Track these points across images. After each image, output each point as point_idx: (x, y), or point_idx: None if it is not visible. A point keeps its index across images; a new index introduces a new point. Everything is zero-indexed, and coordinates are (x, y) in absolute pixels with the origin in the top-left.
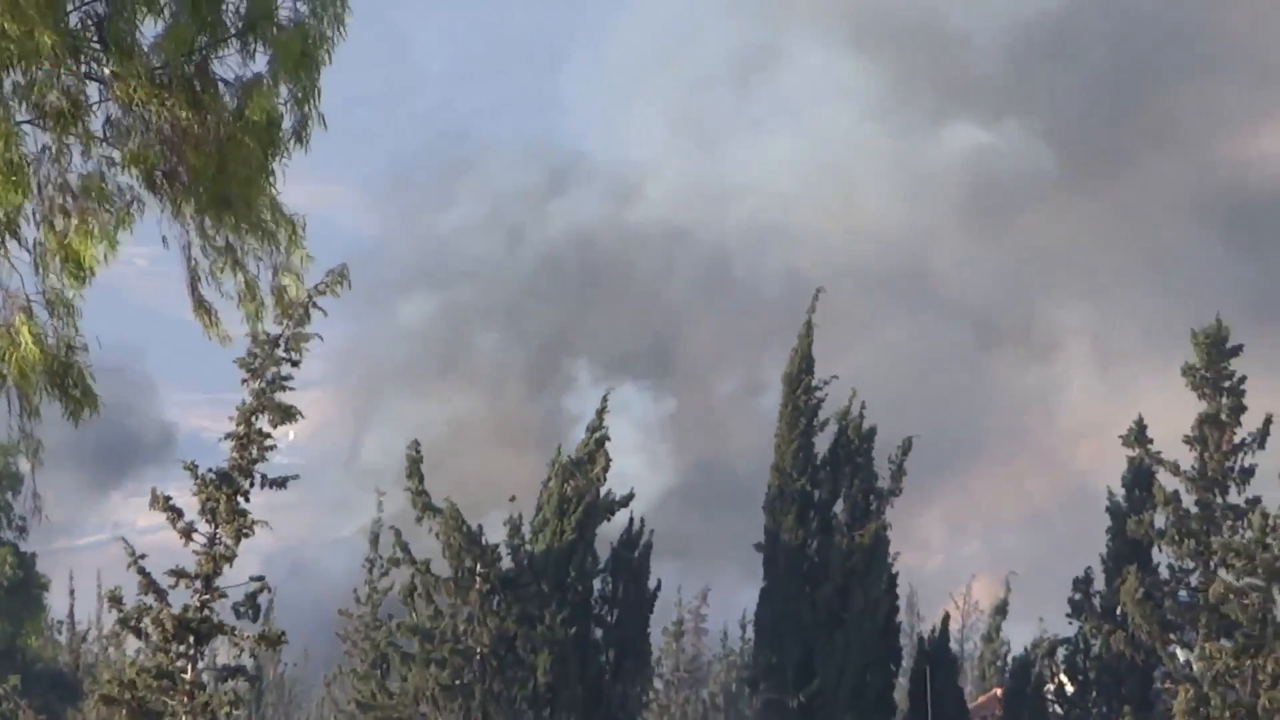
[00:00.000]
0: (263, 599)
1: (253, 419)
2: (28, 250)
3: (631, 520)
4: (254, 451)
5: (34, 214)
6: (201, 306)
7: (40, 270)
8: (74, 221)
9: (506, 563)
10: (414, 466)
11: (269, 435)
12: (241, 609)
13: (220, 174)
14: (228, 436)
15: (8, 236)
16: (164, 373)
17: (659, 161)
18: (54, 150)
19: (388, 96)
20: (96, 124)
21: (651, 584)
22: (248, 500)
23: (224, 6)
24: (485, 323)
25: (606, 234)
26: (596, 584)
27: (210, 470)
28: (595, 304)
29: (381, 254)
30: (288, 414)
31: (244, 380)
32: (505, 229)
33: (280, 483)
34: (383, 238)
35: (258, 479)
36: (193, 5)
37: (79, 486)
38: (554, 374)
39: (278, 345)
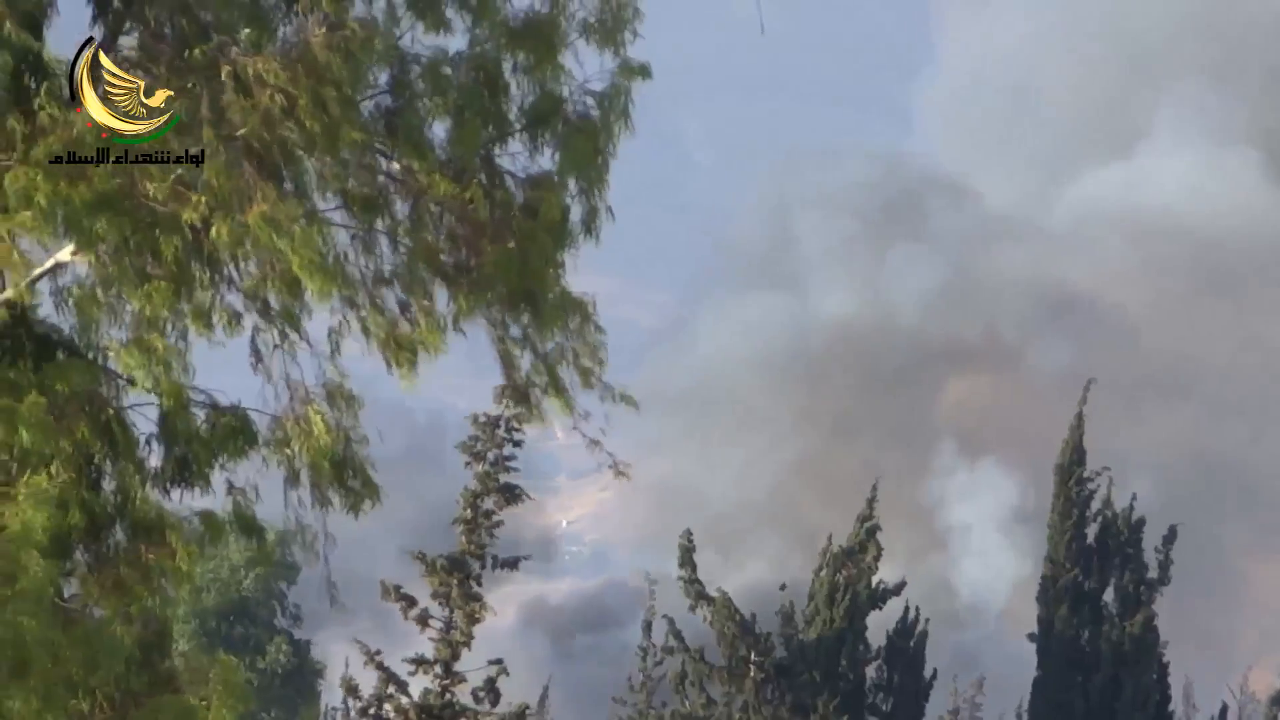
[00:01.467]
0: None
1: (478, 502)
2: (308, 342)
3: (906, 609)
4: (482, 535)
5: (341, 303)
6: (521, 396)
7: (332, 358)
8: (413, 312)
9: (779, 651)
10: (686, 555)
11: (495, 514)
12: (480, 693)
13: (521, 268)
14: (456, 521)
15: (288, 328)
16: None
17: (1017, 210)
18: (362, 241)
19: (660, 186)
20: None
21: (928, 672)
22: (479, 584)
23: (508, 99)
24: (840, 398)
25: (962, 293)
26: (872, 672)
27: (441, 556)
28: (956, 372)
29: (697, 337)
30: (513, 495)
31: (466, 464)
32: (849, 298)
33: (512, 563)
34: (688, 325)
35: (489, 561)
36: (478, 100)
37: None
38: (914, 451)
39: (497, 427)
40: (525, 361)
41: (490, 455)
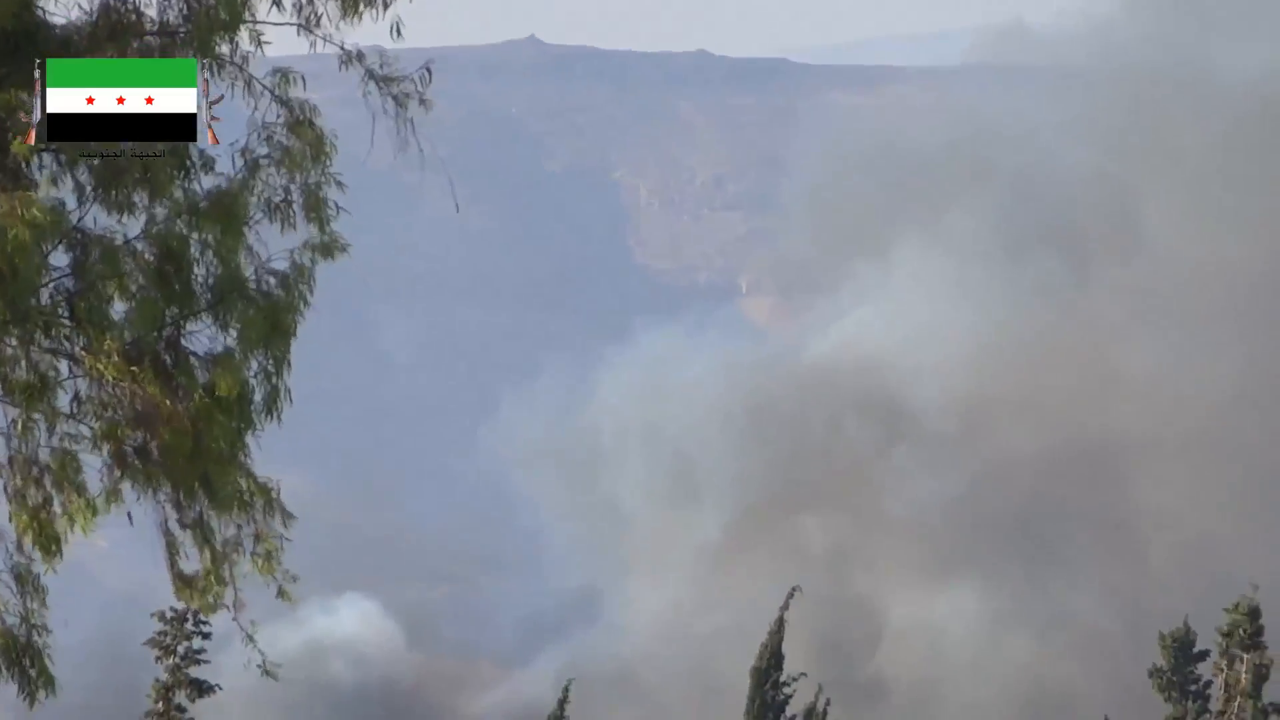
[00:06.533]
0: None
1: (169, 695)
2: None
3: None
4: None
5: (3, 489)
6: (184, 582)
7: (13, 544)
8: (50, 496)
9: None
10: None
11: (185, 709)
12: None
13: (195, 451)
14: (148, 715)
15: None
16: None
17: None
18: (20, 426)
19: (359, 387)
20: (64, 400)
21: None
22: None
23: (193, 278)
24: None
25: None
26: None
27: None
28: None
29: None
30: (203, 689)
31: (157, 658)
32: None
33: None
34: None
35: None
36: (160, 279)
37: None
38: None
39: (185, 620)
40: (190, 547)
41: (180, 649)
